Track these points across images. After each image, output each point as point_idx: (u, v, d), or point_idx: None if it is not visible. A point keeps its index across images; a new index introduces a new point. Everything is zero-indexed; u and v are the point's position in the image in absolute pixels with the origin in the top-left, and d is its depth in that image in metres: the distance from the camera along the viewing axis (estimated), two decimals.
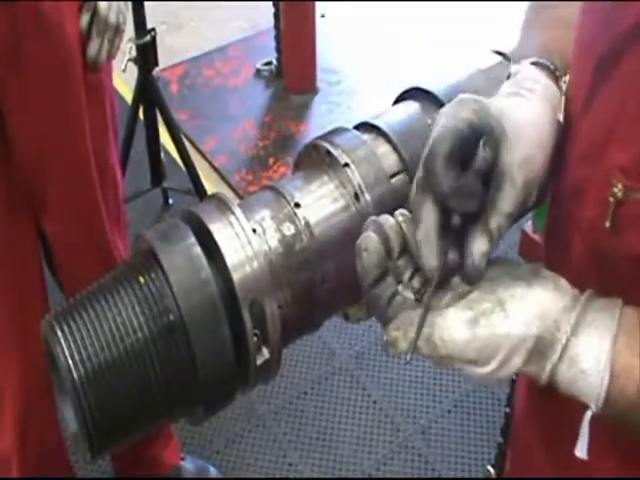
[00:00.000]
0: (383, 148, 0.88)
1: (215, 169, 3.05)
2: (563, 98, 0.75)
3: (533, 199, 0.69)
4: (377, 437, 2.17)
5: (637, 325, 0.62)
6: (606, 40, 0.65)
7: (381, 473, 2.10)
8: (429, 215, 0.65)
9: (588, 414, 0.63)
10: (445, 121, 0.64)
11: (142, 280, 0.76)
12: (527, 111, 0.69)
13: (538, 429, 0.88)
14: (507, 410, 1.81)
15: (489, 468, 1.91)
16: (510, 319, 0.62)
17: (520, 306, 0.63)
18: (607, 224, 0.66)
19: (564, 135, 0.74)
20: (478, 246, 0.64)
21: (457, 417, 2.22)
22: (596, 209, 0.67)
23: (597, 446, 0.64)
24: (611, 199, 0.64)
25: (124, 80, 2.94)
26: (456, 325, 0.63)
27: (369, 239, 0.67)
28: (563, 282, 0.66)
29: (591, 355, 0.61)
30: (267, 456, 2.13)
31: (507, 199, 0.64)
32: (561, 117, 0.73)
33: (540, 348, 0.63)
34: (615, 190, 0.64)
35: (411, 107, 0.94)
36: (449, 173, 0.63)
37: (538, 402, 0.88)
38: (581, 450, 0.63)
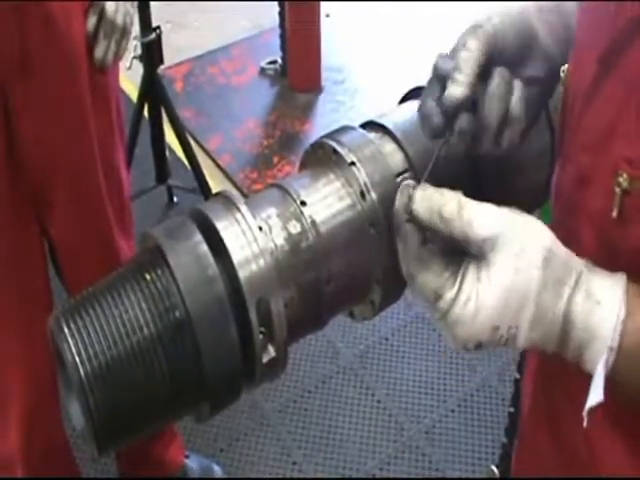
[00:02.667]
0: (389, 147, 0.88)
1: (219, 167, 3.05)
2: (561, 88, 0.76)
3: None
4: (381, 436, 2.17)
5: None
6: (609, 32, 0.65)
7: (385, 472, 2.10)
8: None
9: (603, 357, 0.61)
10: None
11: (148, 277, 0.76)
12: None
13: (546, 429, 0.88)
14: (511, 410, 1.81)
15: (493, 468, 1.91)
16: (527, 223, 0.64)
17: (536, 227, 0.64)
18: (614, 214, 0.66)
19: (565, 127, 0.75)
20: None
21: (461, 417, 2.22)
22: (603, 199, 0.67)
23: (606, 440, 0.64)
24: (617, 189, 0.64)
25: (129, 78, 2.94)
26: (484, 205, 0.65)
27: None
28: None
29: (606, 291, 0.62)
30: (271, 454, 2.13)
31: None
32: None
33: (556, 268, 0.62)
34: (620, 180, 0.64)
35: (417, 106, 0.94)
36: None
37: (546, 401, 0.88)
38: (597, 396, 0.61)
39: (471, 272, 0.64)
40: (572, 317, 0.62)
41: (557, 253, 0.62)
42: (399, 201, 0.71)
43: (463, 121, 0.70)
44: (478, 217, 0.64)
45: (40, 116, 1.38)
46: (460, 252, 0.67)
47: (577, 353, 0.63)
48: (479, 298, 0.63)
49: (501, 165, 0.88)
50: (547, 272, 0.62)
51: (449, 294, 0.65)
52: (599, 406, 0.61)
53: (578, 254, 0.70)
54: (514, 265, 0.62)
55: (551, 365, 0.81)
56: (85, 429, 0.75)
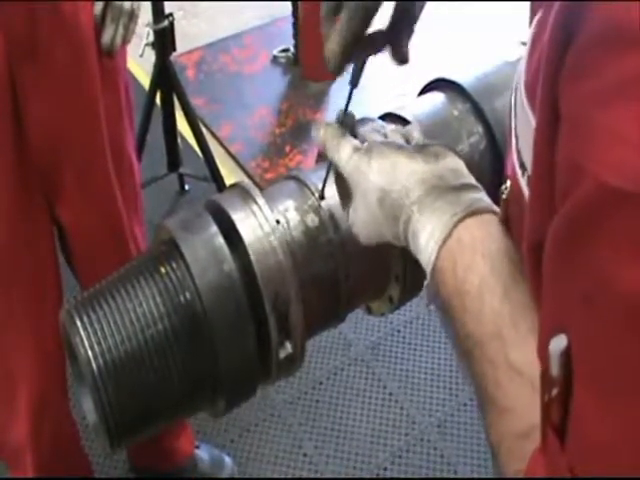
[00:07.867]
0: None
1: (231, 155, 3.03)
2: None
3: None
4: (392, 429, 2.15)
5: (469, 243, 0.63)
6: None
7: (396, 466, 2.08)
8: None
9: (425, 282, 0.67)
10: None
11: (163, 270, 0.75)
12: None
13: None
14: None
15: None
16: (370, 166, 0.70)
17: (380, 160, 0.70)
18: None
19: None
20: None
21: (473, 411, 2.20)
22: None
23: None
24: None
25: (141, 65, 2.93)
26: (347, 146, 0.73)
27: None
28: (460, 170, 0.69)
29: (423, 236, 0.66)
30: (282, 446, 2.12)
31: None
32: None
33: (388, 206, 0.68)
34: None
35: (437, 98, 0.93)
36: None
37: None
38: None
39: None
40: (407, 247, 0.69)
41: (390, 194, 0.68)
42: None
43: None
44: (339, 159, 0.73)
45: (49, 99, 1.37)
46: None
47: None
48: (354, 220, 0.73)
49: None
50: (383, 209, 0.69)
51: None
52: None
53: None
54: (363, 202, 0.71)
55: None
56: (98, 424, 0.74)
